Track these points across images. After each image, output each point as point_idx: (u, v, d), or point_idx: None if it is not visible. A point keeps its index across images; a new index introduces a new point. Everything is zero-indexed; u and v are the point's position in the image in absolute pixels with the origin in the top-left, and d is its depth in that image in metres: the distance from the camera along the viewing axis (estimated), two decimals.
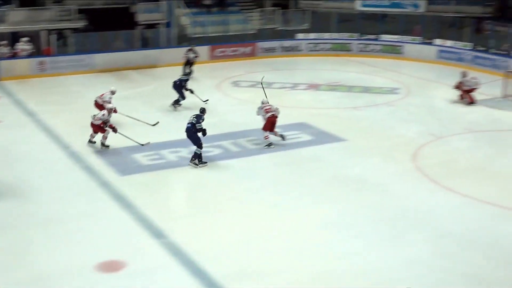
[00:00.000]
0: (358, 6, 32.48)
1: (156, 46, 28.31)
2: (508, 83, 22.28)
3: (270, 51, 29.97)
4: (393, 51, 30.04)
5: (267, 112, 16.68)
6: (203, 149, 15.25)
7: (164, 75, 25.54)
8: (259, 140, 17.06)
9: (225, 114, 19.93)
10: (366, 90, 23.43)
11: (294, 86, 23.98)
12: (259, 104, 17.04)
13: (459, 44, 28.48)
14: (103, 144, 16.35)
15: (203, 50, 28.06)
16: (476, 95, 21.52)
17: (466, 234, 11.86)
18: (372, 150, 16.68)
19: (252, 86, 23.89)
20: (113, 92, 18.19)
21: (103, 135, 16.27)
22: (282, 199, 13.48)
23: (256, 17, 31.81)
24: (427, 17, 30.45)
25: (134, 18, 29.25)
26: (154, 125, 17.67)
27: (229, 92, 23.06)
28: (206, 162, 15.28)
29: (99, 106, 17.82)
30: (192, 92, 20.33)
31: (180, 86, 20.34)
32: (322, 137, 17.59)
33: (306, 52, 30.53)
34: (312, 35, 30.92)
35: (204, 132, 15.22)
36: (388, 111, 20.53)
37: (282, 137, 16.90)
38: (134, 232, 11.87)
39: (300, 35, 30.86)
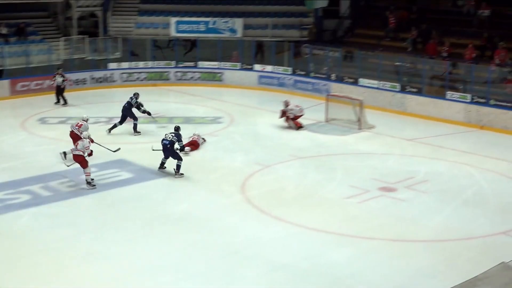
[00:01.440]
0: (173, 32, 32.89)
1: None
2: (330, 107, 23.66)
3: (80, 83, 29.31)
4: (213, 78, 30.73)
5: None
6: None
7: None
8: (74, 181, 16.55)
9: (32, 155, 19.08)
10: (188, 120, 23.68)
11: (109, 120, 23.58)
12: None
13: (280, 69, 29.84)
14: (89, 183, 16.21)
15: (2, 85, 26.78)
16: (301, 120, 22.64)
17: (299, 264, 12.29)
18: (198, 184, 16.84)
19: (62, 122, 23.16)
20: (86, 120, 18.50)
21: (86, 172, 16.15)
22: (100, 245, 13.09)
23: (62, 46, 30.99)
24: (245, 42, 31.60)
25: None
26: (115, 151, 17.98)
27: (35, 131, 22.11)
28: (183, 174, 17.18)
29: (76, 136, 17.62)
30: (149, 114, 22.06)
31: (129, 108, 21.57)
32: (143, 174, 17.46)
33: (120, 83, 30.27)
34: (125, 64, 30.74)
35: (183, 148, 17.54)
36: (212, 141, 20.86)
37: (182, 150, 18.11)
38: None
39: (113, 65, 30.54)
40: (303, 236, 13.67)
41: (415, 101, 25.10)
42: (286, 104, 22.66)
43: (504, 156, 19.50)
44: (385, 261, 12.52)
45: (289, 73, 29.52)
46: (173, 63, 31.19)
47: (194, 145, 19.77)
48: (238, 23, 32.67)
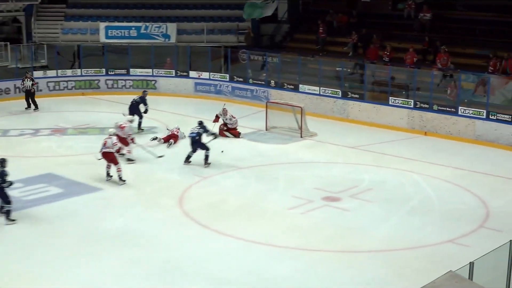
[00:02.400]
0: (103, 38, 32.52)
1: None
2: (270, 115, 23.79)
3: (3, 93, 28.64)
4: (147, 86, 30.45)
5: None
6: None
7: None
8: None
9: None
10: None
11: (36, 132, 23.17)
12: None
13: (216, 75, 29.84)
14: (121, 178, 17.43)
15: None
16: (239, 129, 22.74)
17: (242, 279, 12.29)
18: (134, 198, 16.68)
19: None
20: (131, 121, 20.13)
21: (117, 168, 17.43)
22: (30, 266, 12.77)
23: None
24: (179, 48, 31.49)
25: None
26: (159, 157, 19.76)
27: None
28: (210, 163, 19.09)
29: (121, 138, 18.69)
30: (145, 112, 23.54)
31: (137, 105, 23.21)
32: (74, 188, 17.18)
33: (46, 92, 29.66)
34: (52, 73, 30.19)
35: (216, 135, 20.04)
36: (146, 153, 20.66)
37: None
38: None
39: (38, 73, 29.92)
40: (245, 249, 13.68)
41: (357, 108, 25.50)
42: (224, 112, 22.72)
43: (448, 162, 19.98)
44: (331, 273, 12.63)
45: (227, 80, 29.56)
46: (103, 70, 30.81)
47: (175, 138, 21.71)
48: (171, 28, 32.53)
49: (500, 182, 18.43)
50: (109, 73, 30.80)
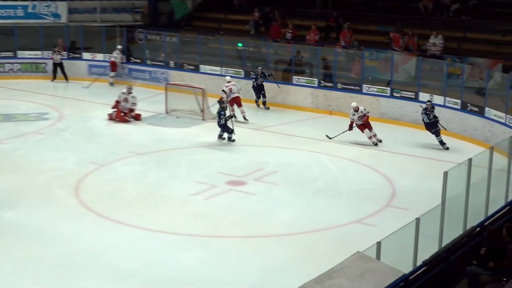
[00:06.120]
0: None
1: None
2: (170, 97, 23.61)
3: None
4: (36, 69, 29.70)
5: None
6: None
7: None
8: None
9: None
10: (8, 118, 22.85)
11: None
12: None
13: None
14: (244, 118, 22.39)
15: None
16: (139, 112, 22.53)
17: (146, 271, 12.17)
18: (25, 189, 16.20)
19: None
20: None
21: (241, 110, 22.38)
22: None
23: None
24: (71, 28, 30.74)
25: None
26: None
27: None
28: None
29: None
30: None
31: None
32: None
33: None
34: None
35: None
36: (38, 140, 20.22)
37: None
38: None
39: None
40: (148, 239, 13.56)
41: None
42: (128, 91, 22.43)
43: (355, 141, 20.40)
44: (239, 259, 12.70)
45: (123, 61, 29.09)
46: None
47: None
48: (62, 7, 31.71)
49: (406, 160, 19.01)
50: None
